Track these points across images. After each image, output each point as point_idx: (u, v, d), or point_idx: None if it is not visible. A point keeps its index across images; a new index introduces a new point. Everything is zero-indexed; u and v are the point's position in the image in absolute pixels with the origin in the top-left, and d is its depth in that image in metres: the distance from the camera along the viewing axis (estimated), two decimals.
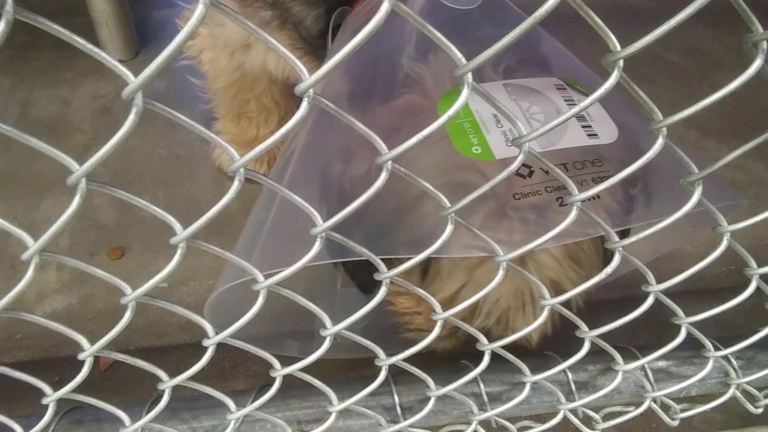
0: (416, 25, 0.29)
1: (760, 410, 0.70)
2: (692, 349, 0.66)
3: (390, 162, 0.35)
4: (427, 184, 0.38)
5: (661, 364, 0.66)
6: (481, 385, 0.63)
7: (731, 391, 0.67)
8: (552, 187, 0.53)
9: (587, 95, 0.61)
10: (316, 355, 0.50)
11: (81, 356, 0.46)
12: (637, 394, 0.66)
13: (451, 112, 0.32)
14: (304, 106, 0.31)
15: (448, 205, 0.40)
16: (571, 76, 0.65)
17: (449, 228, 0.41)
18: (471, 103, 0.58)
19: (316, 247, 0.39)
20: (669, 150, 0.40)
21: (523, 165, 0.50)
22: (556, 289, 0.57)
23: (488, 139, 0.55)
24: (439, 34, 0.29)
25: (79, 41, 0.28)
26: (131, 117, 0.29)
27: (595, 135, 0.57)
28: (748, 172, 1.28)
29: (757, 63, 0.35)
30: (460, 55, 0.31)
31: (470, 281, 0.58)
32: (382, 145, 0.35)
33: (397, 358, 0.53)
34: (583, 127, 0.58)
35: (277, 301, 0.44)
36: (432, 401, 0.60)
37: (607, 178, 0.42)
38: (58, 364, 0.94)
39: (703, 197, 0.43)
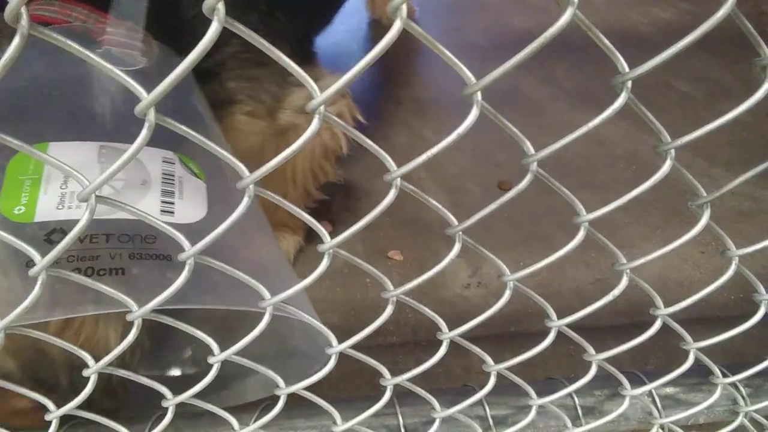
0: (427, 44, 0.29)
1: None
2: (700, 376, 0.65)
3: (399, 179, 0.35)
4: (436, 203, 0.38)
5: (669, 390, 0.65)
6: (487, 408, 0.62)
7: (739, 419, 0.66)
8: (87, 257, 0.48)
9: (199, 178, 0.58)
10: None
11: (86, 373, 0.46)
12: (644, 421, 0.65)
13: (461, 129, 0.32)
14: (315, 123, 0.31)
15: (456, 223, 0.40)
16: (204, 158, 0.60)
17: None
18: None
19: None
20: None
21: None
22: None
23: (40, 199, 0.51)
24: (448, 53, 0.30)
25: (87, 53, 0.28)
26: (144, 132, 0.29)
27: (171, 213, 0.53)
28: (756, 200, 1.28)
29: (766, 86, 0.35)
30: (470, 74, 0.31)
31: None
32: (390, 162, 0.35)
33: (403, 378, 0.53)
34: (163, 202, 0.54)
35: None
36: (437, 423, 0.59)
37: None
38: None
39: None
